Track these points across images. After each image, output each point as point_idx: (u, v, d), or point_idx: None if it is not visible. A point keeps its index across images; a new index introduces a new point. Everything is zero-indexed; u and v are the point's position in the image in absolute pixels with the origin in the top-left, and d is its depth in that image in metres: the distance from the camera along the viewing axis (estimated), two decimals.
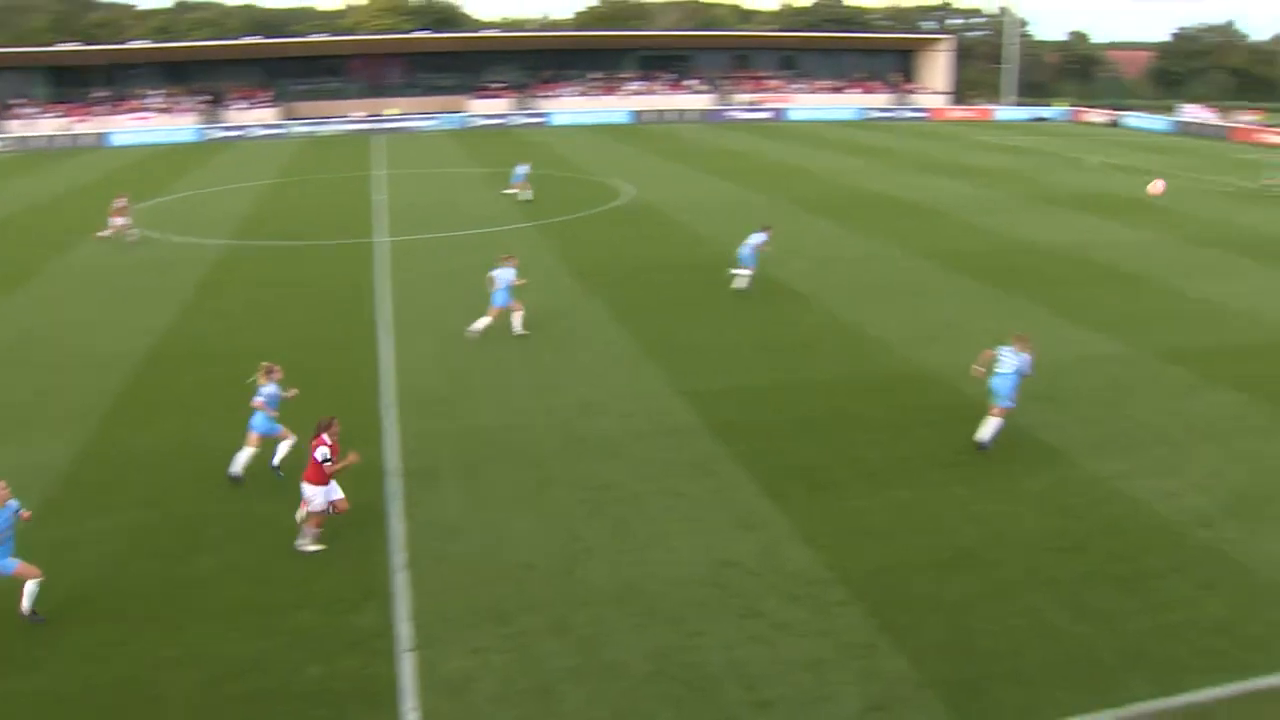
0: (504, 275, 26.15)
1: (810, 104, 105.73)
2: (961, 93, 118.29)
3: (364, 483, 17.64)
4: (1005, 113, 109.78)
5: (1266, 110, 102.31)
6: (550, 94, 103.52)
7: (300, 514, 15.88)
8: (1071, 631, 13.58)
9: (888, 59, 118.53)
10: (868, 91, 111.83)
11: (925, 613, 14.00)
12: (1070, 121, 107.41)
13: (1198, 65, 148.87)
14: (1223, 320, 28.56)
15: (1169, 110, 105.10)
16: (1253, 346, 26.31)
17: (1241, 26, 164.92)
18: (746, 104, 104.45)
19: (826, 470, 18.56)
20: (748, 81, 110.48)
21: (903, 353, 25.41)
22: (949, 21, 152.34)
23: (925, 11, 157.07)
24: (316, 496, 15.42)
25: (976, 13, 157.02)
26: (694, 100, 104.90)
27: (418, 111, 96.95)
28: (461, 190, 52.82)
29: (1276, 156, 73.71)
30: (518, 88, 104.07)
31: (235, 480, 17.87)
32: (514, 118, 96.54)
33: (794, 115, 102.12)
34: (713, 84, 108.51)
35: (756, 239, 30.95)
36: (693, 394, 22.30)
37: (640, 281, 32.28)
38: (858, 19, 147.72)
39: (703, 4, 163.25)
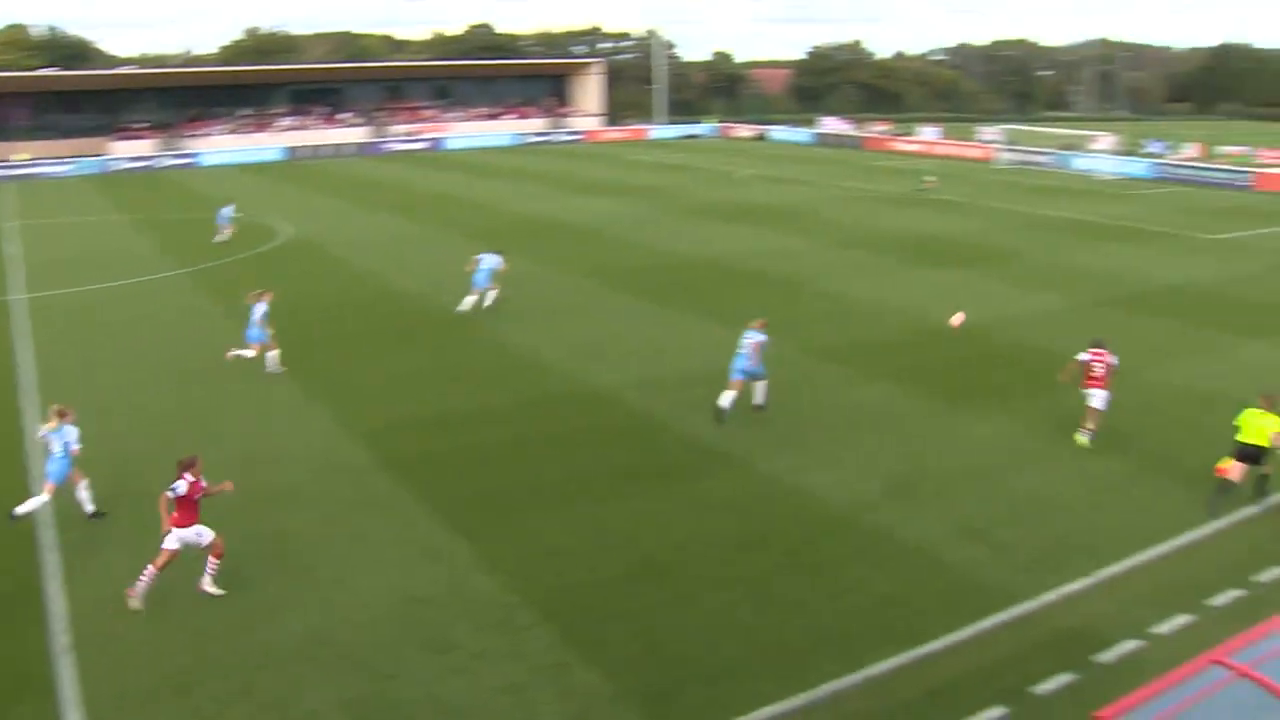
0: (258, 311, 25.76)
1: (467, 132, 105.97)
2: (615, 114, 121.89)
3: (15, 560, 16.32)
4: (658, 131, 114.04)
5: (893, 120, 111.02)
6: (198, 133, 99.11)
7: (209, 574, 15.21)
8: (759, 625, 14.21)
9: (542, 84, 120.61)
10: (523, 117, 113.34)
11: (615, 625, 14.27)
12: (720, 137, 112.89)
13: (832, 81, 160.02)
14: (874, 317, 30.73)
15: (810, 123, 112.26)
16: (902, 341, 28.44)
17: (868, 46, 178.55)
18: (403, 135, 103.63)
19: (505, 495, 18.60)
20: (403, 112, 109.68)
21: (570, 372, 25.85)
22: (599, 45, 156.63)
23: (576, 36, 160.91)
24: (205, 533, 15.00)
25: (626, 36, 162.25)
26: (349, 134, 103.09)
27: (50, 156, 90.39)
28: (107, 239, 49.69)
29: (908, 162, 79.95)
30: (162, 128, 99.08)
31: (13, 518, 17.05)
32: (160, 159, 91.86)
33: (452, 144, 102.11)
34: (367, 116, 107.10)
35: (491, 261, 31.54)
36: (365, 432, 21.82)
37: (302, 322, 31.16)
38: (510, 46, 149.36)
39: (353, 35, 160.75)
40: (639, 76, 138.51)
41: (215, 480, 15.76)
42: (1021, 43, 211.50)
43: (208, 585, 15.21)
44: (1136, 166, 75.98)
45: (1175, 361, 26.24)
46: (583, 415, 22.81)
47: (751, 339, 21.90)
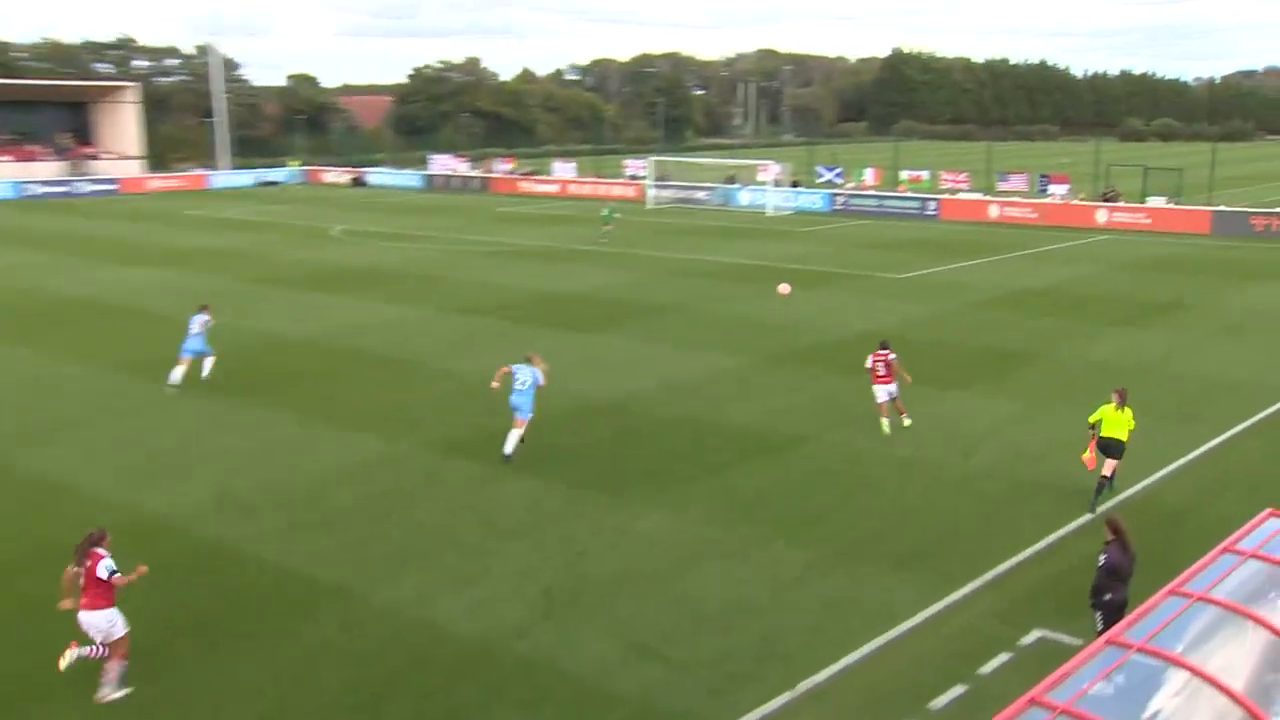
0: None
1: None
2: (163, 156, 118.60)
3: None
4: (224, 178, 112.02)
5: (520, 157, 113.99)
6: None
7: (73, 655, 15.60)
8: None
9: (53, 114, 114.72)
10: (27, 159, 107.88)
11: None
12: (306, 184, 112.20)
13: (445, 109, 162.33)
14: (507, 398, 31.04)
15: (420, 163, 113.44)
16: (542, 423, 28.80)
17: (488, 65, 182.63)
18: None
19: (16, 681, 16.84)
20: None
21: (114, 499, 24.24)
22: (134, 64, 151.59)
23: (99, 51, 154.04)
24: (115, 621, 15.69)
25: (171, 52, 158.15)
26: None
27: None
28: None
29: (543, 206, 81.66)
30: None
31: None
32: None
33: None
34: None
35: (200, 320, 32.63)
36: None
37: None
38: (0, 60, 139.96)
39: None
40: (193, 106, 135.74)
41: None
42: (671, 56, 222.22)
43: (111, 692, 15.71)
44: (810, 199, 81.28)
45: (866, 424, 27.88)
46: (133, 555, 21.57)
47: (524, 371, 25.84)
